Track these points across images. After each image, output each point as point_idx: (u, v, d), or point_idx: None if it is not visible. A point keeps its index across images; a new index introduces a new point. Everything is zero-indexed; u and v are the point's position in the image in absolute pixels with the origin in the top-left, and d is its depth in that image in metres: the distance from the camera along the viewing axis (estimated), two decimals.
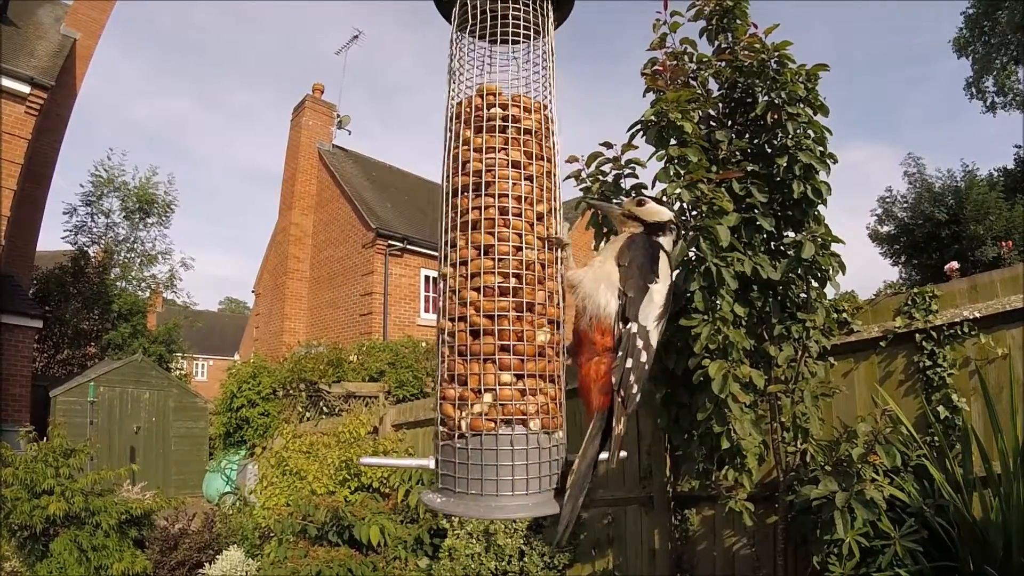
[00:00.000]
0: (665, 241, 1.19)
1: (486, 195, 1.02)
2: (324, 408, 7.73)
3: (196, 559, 4.59)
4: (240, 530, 5.01)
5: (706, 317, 2.23)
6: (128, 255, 14.74)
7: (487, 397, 0.96)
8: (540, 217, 1.05)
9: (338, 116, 14.71)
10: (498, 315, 0.98)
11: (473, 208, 1.02)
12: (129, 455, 9.06)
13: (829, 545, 2.31)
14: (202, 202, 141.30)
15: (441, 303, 1.04)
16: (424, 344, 9.39)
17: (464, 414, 0.96)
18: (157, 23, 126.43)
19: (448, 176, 1.08)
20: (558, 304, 1.06)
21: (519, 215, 1.02)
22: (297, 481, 5.39)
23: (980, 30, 15.71)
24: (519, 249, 1.01)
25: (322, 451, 5.53)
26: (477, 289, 0.99)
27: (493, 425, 0.95)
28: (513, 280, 1.00)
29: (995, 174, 13.70)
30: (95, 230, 14.21)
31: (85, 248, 13.59)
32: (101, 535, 4.20)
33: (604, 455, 1.05)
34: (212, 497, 8.08)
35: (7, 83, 8.01)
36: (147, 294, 14.77)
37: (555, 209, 1.10)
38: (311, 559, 3.88)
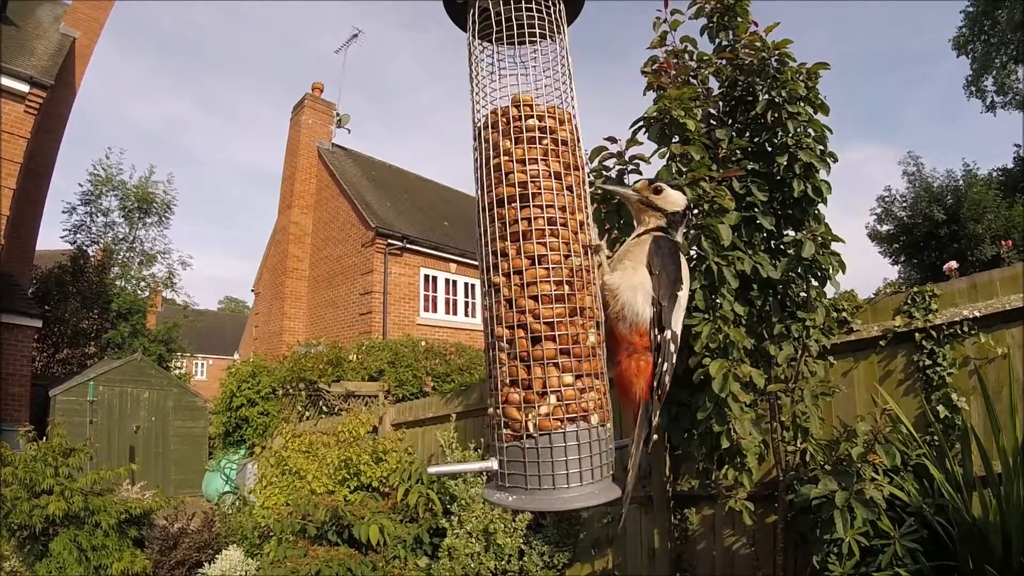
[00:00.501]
0: (679, 235, 1.31)
1: (533, 206, 1.06)
2: (324, 407, 7.72)
3: (195, 558, 4.59)
4: (239, 529, 5.01)
5: (707, 316, 2.23)
6: (127, 254, 14.74)
7: (552, 399, 1.02)
8: (581, 225, 1.10)
9: (337, 115, 14.69)
10: (556, 321, 1.03)
11: (522, 219, 1.06)
12: (129, 455, 9.06)
13: (829, 544, 2.31)
14: (202, 202, 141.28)
15: (495, 311, 1.08)
16: (424, 343, 9.38)
17: (531, 416, 1.02)
18: (156, 23, 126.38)
19: (488, 186, 1.10)
20: (600, 306, 1.13)
21: (564, 224, 1.07)
22: (296, 480, 5.38)
23: (980, 29, 15.72)
24: (567, 257, 1.06)
25: (321, 450, 5.52)
26: (534, 297, 1.04)
27: (560, 424, 1.01)
28: (565, 287, 1.05)
29: (995, 173, 13.72)
30: (94, 229, 14.23)
31: (84, 247, 13.60)
32: (100, 535, 4.19)
33: None
34: (211, 496, 8.06)
35: (7, 82, 8.00)
36: (146, 293, 14.76)
37: (588, 216, 1.14)
38: (310, 558, 3.88)
